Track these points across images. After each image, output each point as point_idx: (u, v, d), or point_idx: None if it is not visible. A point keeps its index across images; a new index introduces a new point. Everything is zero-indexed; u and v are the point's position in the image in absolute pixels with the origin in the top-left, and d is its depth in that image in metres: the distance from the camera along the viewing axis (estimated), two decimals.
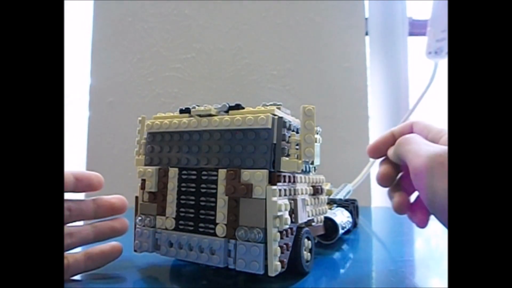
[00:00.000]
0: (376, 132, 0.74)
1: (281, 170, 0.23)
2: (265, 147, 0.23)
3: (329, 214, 0.33)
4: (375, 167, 0.58)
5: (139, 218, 0.27)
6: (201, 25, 0.75)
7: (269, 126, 0.23)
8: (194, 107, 0.27)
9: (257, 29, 0.75)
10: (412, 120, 0.29)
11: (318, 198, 0.29)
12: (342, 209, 0.37)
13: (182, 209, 0.25)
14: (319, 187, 0.29)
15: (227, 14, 0.75)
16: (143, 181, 0.27)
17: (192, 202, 0.25)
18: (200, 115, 0.25)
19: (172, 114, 0.28)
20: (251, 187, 0.23)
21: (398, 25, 0.77)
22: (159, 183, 0.26)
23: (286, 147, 0.24)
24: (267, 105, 0.26)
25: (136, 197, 0.28)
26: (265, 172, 0.22)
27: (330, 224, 0.32)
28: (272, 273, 0.22)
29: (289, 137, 0.24)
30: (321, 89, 0.75)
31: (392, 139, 0.28)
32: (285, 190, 0.24)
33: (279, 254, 0.22)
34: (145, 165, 0.28)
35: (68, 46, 0.72)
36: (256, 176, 0.23)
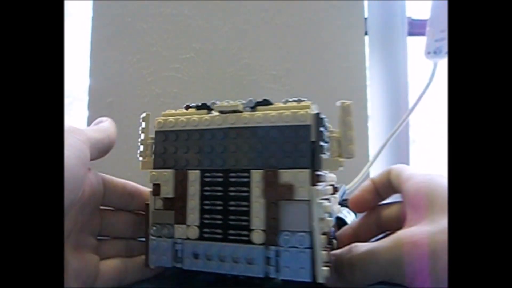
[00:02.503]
0: (376, 132, 0.74)
1: (322, 169, 0.22)
2: (305, 146, 0.21)
3: (339, 214, 0.32)
4: (374, 167, 0.59)
5: (154, 228, 0.24)
6: (200, 25, 0.75)
7: (309, 123, 0.21)
8: (214, 103, 0.24)
9: (257, 29, 0.75)
10: (389, 167, 0.28)
11: (334, 198, 0.28)
12: (347, 208, 0.37)
13: (206, 216, 0.23)
14: (336, 187, 0.28)
15: (227, 14, 0.75)
16: (156, 186, 0.24)
17: (219, 208, 0.23)
18: (223, 112, 0.23)
19: (183, 110, 0.26)
20: (293, 189, 0.21)
21: (398, 25, 0.77)
22: (177, 188, 0.24)
23: (324, 145, 0.22)
24: (290, 101, 0.24)
25: (147, 205, 0.25)
26: (308, 172, 0.21)
27: (341, 224, 0.32)
28: (322, 280, 0.20)
29: (329, 134, 0.22)
30: (321, 89, 0.75)
31: (373, 188, 0.28)
32: (323, 190, 0.22)
33: (327, 258, 0.21)
34: (155, 168, 0.25)
35: (67, 46, 0.72)
36: (298, 177, 0.21)
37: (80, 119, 0.73)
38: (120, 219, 0.26)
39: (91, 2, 0.75)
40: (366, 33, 0.78)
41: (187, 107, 0.26)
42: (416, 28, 0.78)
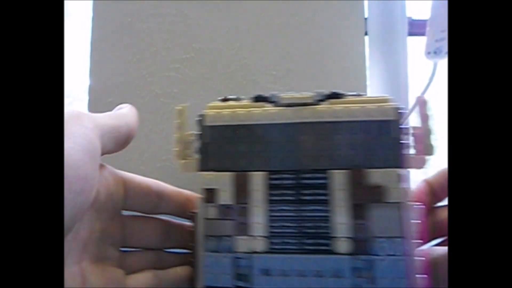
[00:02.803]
0: None
1: (408, 168, 0.20)
2: (393, 143, 0.20)
3: None
4: None
5: (208, 241, 0.21)
6: (200, 25, 0.75)
7: (395, 118, 0.20)
8: (274, 95, 0.21)
9: (257, 29, 0.75)
10: (445, 166, 0.25)
11: None
12: None
13: (275, 225, 0.20)
14: None
15: (227, 14, 0.75)
16: (210, 191, 0.21)
17: (291, 214, 0.20)
18: (293, 104, 0.21)
19: (234, 103, 0.22)
20: (384, 190, 0.19)
21: (398, 25, 0.77)
22: (238, 193, 0.21)
23: (407, 142, 0.21)
24: (352, 94, 0.22)
25: (193, 214, 0.22)
26: (398, 171, 0.19)
27: None
28: None
29: (414, 130, 0.21)
30: (321, 89, 0.74)
31: (429, 190, 0.25)
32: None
33: (422, 266, 0.19)
34: (203, 169, 0.22)
35: (67, 46, 0.72)
36: (388, 177, 0.19)
37: None
38: (146, 226, 0.23)
39: (91, 2, 0.75)
40: (366, 33, 0.78)
41: (226, 100, 0.23)
42: (416, 28, 0.78)
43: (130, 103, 0.71)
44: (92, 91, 0.74)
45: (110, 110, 0.72)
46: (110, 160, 0.74)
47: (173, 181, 0.74)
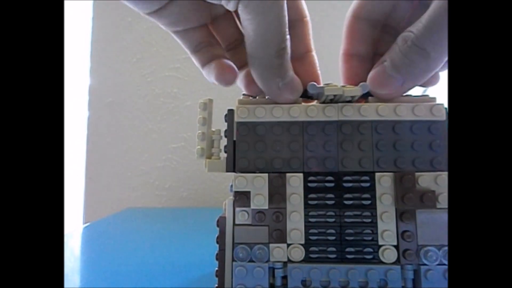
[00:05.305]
0: None
1: None
2: (443, 144, 0.18)
3: None
4: None
5: (240, 249, 0.18)
6: None
7: (445, 118, 0.18)
8: (314, 85, 0.19)
9: None
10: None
11: None
12: None
13: (313, 231, 0.18)
14: None
15: None
16: (242, 194, 0.18)
17: (331, 220, 0.18)
18: (333, 101, 0.19)
19: (263, 98, 0.20)
20: (435, 195, 0.18)
21: None
22: (274, 197, 0.18)
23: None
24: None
25: (220, 219, 0.19)
26: (447, 175, 0.18)
27: None
28: None
29: None
30: None
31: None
32: None
33: None
34: (230, 170, 0.19)
35: (67, 46, 0.72)
36: (438, 181, 0.18)
37: (80, 119, 0.73)
38: None
39: (91, 2, 0.75)
40: None
41: (251, 96, 0.21)
42: None
43: (130, 103, 0.72)
44: (91, 91, 0.75)
45: (110, 110, 0.72)
46: (111, 159, 0.74)
47: (174, 181, 0.74)
